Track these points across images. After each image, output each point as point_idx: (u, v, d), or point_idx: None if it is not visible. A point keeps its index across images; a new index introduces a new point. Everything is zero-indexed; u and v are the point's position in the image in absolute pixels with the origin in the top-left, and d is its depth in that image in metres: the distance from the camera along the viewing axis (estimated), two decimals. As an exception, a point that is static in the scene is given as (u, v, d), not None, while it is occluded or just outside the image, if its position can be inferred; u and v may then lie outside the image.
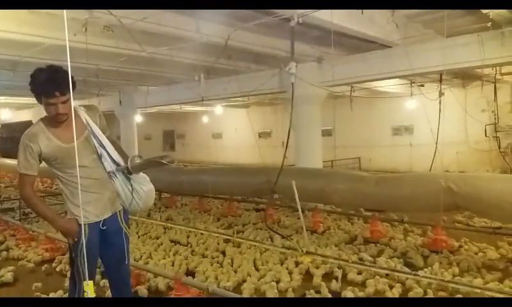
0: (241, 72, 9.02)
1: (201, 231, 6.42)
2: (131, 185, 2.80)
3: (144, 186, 2.84)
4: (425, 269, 4.63)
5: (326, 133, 15.86)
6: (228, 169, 8.09)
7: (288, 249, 5.32)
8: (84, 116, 2.70)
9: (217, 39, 6.27)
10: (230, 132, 20.23)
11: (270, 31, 7.03)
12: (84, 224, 2.65)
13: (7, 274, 4.81)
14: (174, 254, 5.46)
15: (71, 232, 2.63)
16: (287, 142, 5.42)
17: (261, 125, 18.82)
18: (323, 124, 8.93)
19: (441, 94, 8.24)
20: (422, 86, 11.17)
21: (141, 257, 5.41)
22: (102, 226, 2.73)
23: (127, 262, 2.91)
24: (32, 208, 2.75)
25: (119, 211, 2.82)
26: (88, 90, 11.94)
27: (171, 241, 6.13)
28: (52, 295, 4.22)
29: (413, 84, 11.41)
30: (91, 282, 1.95)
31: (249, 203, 8.62)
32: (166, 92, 11.01)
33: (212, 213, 8.04)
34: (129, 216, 2.97)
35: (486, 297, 3.83)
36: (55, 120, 2.52)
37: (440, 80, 8.93)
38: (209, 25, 6.06)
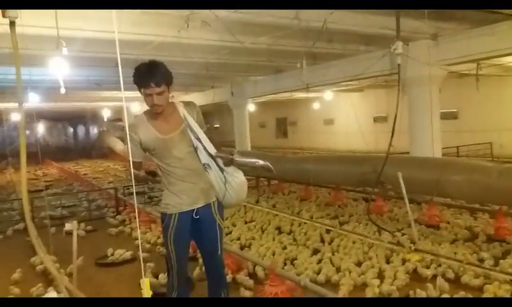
0: (349, 55, 8.61)
1: (304, 221, 6.35)
2: (224, 177, 2.84)
3: (237, 178, 2.85)
4: None
5: (451, 116, 14.44)
6: (332, 157, 7.82)
7: (396, 245, 4.94)
8: (182, 110, 2.82)
9: (317, 24, 6.02)
10: (342, 117, 19.64)
11: (377, 10, 6.52)
12: (175, 214, 2.79)
13: (126, 253, 5.37)
14: (277, 242, 5.48)
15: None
16: (393, 129, 4.98)
17: (376, 109, 17.88)
18: (447, 106, 8.09)
19: None
20: None
21: (246, 242, 5.56)
22: (195, 215, 2.82)
23: (219, 253, 2.96)
24: (138, 180, 2.94)
25: (213, 202, 2.88)
26: (201, 83, 12.73)
27: (276, 228, 6.18)
28: (160, 276, 4.54)
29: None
30: (147, 279, 1.97)
31: (358, 192, 8.25)
32: (273, 81, 11.12)
33: (317, 202, 7.91)
34: (224, 209, 3.01)
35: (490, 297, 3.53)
36: (153, 111, 2.69)
37: None
38: (307, 11, 5.84)
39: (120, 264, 5.25)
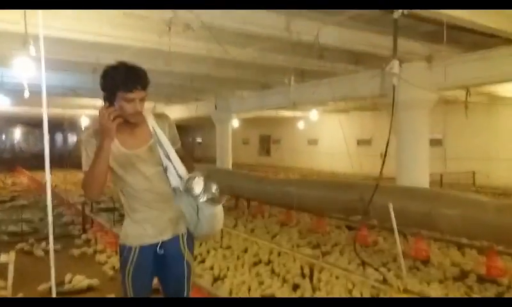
0: (338, 74, 8.29)
1: (284, 250, 5.87)
2: (197, 205, 2.36)
3: (211, 207, 2.39)
4: None
5: (435, 143, 14.27)
6: (316, 182, 7.43)
7: (383, 284, 4.51)
8: (151, 123, 2.36)
9: (309, 37, 5.66)
10: (326, 138, 19.41)
11: (370, 27, 6.22)
12: (136, 247, 2.32)
13: (83, 282, 4.80)
14: (254, 275, 4.99)
15: (108, 131, 2.15)
16: (385, 155, 4.59)
17: (360, 132, 17.71)
18: (431, 132, 7.79)
19: None
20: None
21: (220, 273, 5.06)
22: (159, 249, 2.34)
23: (185, 295, 2.47)
24: (88, 188, 2.24)
25: (182, 234, 2.42)
26: (184, 94, 12.28)
27: (254, 256, 5.68)
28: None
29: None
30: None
31: (340, 219, 7.85)
32: (259, 97, 10.75)
33: (298, 227, 7.47)
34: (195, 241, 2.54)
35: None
36: (129, 119, 2.21)
37: None
38: (299, 22, 5.49)
39: (77, 293, 4.66)
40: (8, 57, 5.68)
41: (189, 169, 2.42)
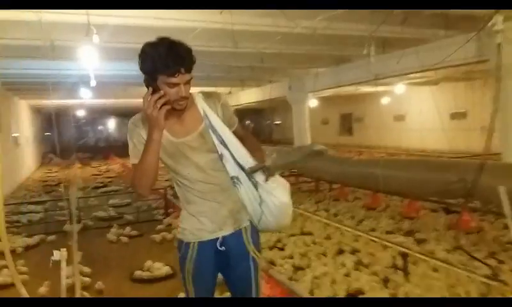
0: (426, 41, 7.33)
1: (372, 238, 5.31)
2: (259, 196, 2.04)
3: (276, 198, 2.03)
4: None
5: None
6: (406, 161, 6.61)
7: (495, 280, 3.80)
8: (201, 104, 2.04)
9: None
10: (415, 113, 17.91)
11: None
12: (194, 243, 2.05)
13: (162, 269, 4.74)
14: (338, 265, 4.54)
15: (156, 122, 1.85)
16: (491, 128, 3.81)
17: (453, 105, 16.02)
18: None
19: None
20: None
21: (300, 262, 4.69)
22: (219, 245, 2.06)
23: (255, 294, 2.15)
24: (138, 183, 1.97)
25: (245, 228, 2.10)
26: (257, 76, 11.94)
27: (337, 245, 5.22)
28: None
29: None
30: None
31: (435, 202, 7.01)
32: (335, 73, 9.99)
33: (387, 212, 6.81)
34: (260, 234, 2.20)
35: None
36: (174, 106, 1.89)
37: None
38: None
39: (157, 281, 4.60)
40: (73, 48, 5.73)
41: (253, 150, 2.08)
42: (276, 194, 2.03)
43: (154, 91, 1.83)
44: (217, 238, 2.04)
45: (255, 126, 31.72)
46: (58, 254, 2.80)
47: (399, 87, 14.01)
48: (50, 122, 23.57)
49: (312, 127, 13.30)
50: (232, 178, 2.03)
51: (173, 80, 1.81)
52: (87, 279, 4.53)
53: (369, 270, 4.41)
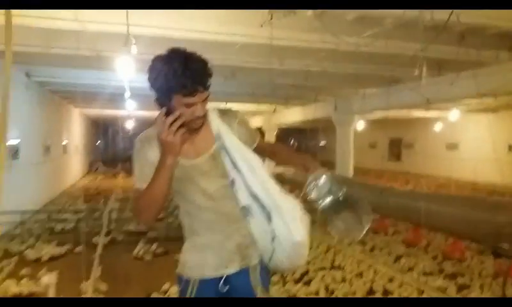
0: (485, 64, 6.70)
1: (408, 282, 4.76)
2: (272, 231, 1.76)
3: (292, 235, 1.74)
4: None
5: None
6: (452, 197, 5.97)
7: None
8: (216, 122, 1.79)
9: (444, 15, 4.49)
10: (469, 142, 16.76)
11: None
12: (195, 279, 1.79)
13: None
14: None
15: (171, 147, 1.61)
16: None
17: (512, 135, 14.82)
18: None
19: None
20: None
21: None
22: (222, 285, 1.79)
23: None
24: (144, 212, 1.71)
25: (253, 266, 1.82)
26: (302, 95, 11.61)
27: (368, 284, 4.73)
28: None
29: None
30: None
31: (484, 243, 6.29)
32: (384, 95, 9.44)
33: (428, 250, 6.18)
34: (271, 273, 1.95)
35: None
36: (190, 126, 1.67)
37: None
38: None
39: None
40: (110, 59, 5.73)
41: (290, 157, 1.99)
42: (293, 230, 1.74)
43: (168, 111, 1.60)
44: (221, 277, 1.78)
45: (299, 145, 31.31)
46: (47, 278, 2.60)
47: (454, 114, 13.14)
48: (101, 131, 24.52)
49: (359, 150, 12.78)
50: (243, 208, 1.77)
51: (191, 100, 1.60)
52: (101, 296, 4.36)
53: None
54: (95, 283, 4.67)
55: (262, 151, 1.88)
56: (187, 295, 1.80)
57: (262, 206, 1.75)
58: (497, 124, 15.27)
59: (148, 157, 1.71)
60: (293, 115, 15.82)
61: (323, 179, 1.80)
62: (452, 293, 4.40)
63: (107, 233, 7.06)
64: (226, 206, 1.77)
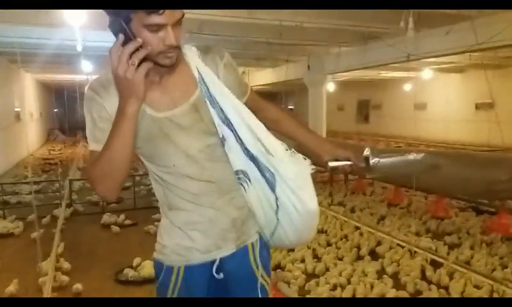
0: (467, 19, 6.40)
1: (399, 242, 4.56)
2: (276, 197, 1.35)
3: (302, 203, 1.35)
4: None
5: None
6: (443, 154, 5.76)
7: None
8: (195, 63, 1.32)
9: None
10: (437, 102, 16.93)
11: None
12: (179, 267, 1.40)
13: (148, 270, 4.04)
14: (358, 273, 3.83)
15: (132, 87, 1.13)
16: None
17: (479, 94, 15.00)
18: None
19: None
20: None
21: (313, 268, 3.98)
22: (216, 271, 1.39)
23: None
24: (103, 180, 1.22)
25: (251, 244, 1.44)
26: (274, 56, 11.11)
27: (356, 248, 4.50)
28: None
29: None
30: None
31: (464, 200, 6.25)
32: (361, 53, 9.05)
33: (411, 209, 6.06)
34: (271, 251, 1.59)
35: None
36: (158, 61, 1.19)
37: None
38: None
39: (146, 283, 3.91)
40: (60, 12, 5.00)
41: (294, 126, 1.57)
42: (303, 197, 1.35)
43: (126, 40, 1.10)
44: (213, 261, 1.39)
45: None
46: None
47: (427, 73, 13.04)
48: (57, 98, 23.13)
49: (328, 113, 12.46)
50: (237, 172, 1.36)
51: (156, 19, 1.11)
52: (65, 278, 3.87)
53: (396, 282, 3.69)
54: (57, 261, 4.18)
55: (254, 110, 1.39)
56: (171, 287, 1.40)
57: (262, 170, 1.34)
58: (464, 84, 15.42)
59: (104, 108, 1.24)
60: (264, 77, 15.29)
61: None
62: (443, 252, 4.24)
63: (69, 205, 6.50)
64: (215, 171, 1.34)
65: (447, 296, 3.40)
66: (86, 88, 1.29)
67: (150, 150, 1.32)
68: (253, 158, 1.33)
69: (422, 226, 5.24)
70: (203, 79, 1.31)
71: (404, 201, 6.42)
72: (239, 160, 1.34)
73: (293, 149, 1.39)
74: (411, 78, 15.72)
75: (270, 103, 1.60)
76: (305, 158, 1.39)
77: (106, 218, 5.87)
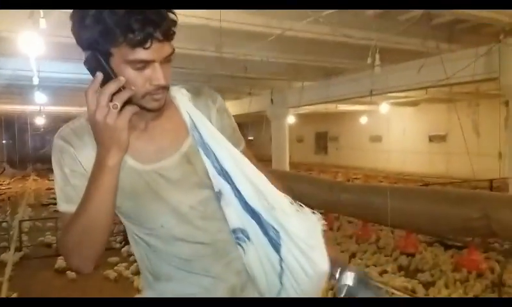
0: (426, 55, 6.66)
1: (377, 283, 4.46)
2: (280, 258, 1.15)
3: (314, 264, 1.14)
4: None
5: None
6: (417, 190, 5.78)
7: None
8: (186, 107, 1.14)
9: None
10: (392, 134, 17.57)
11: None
12: None
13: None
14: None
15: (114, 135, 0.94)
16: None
17: (432, 127, 15.73)
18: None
19: None
20: None
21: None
22: None
23: None
24: (76, 250, 1.03)
25: None
26: (237, 89, 11.12)
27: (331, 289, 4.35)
28: None
29: None
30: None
31: (430, 234, 6.31)
32: (323, 88, 9.22)
33: (380, 245, 6.03)
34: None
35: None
36: (144, 105, 1.01)
37: None
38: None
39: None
40: (12, 39, 4.71)
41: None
42: (314, 258, 1.13)
43: (106, 79, 0.91)
44: None
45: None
46: None
47: (384, 107, 13.52)
48: (6, 129, 21.91)
49: (288, 145, 12.57)
50: (235, 231, 1.15)
51: (142, 54, 0.93)
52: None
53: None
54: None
55: None
56: None
57: (265, 227, 1.14)
58: (418, 117, 16.11)
59: (77, 161, 1.03)
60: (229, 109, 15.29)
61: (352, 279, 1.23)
62: (420, 292, 4.17)
63: (18, 249, 5.94)
64: (209, 231, 1.14)
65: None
66: (55, 137, 1.07)
67: (133, 209, 1.10)
68: (253, 214, 1.15)
69: (394, 263, 5.19)
70: (195, 125, 1.13)
71: (372, 236, 6.39)
72: (237, 217, 1.14)
73: (299, 203, 1.22)
74: (367, 111, 16.23)
75: (261, 164, 1.40)
76: (314, 212, 1.23)
77: (61, 262, 5.38)
